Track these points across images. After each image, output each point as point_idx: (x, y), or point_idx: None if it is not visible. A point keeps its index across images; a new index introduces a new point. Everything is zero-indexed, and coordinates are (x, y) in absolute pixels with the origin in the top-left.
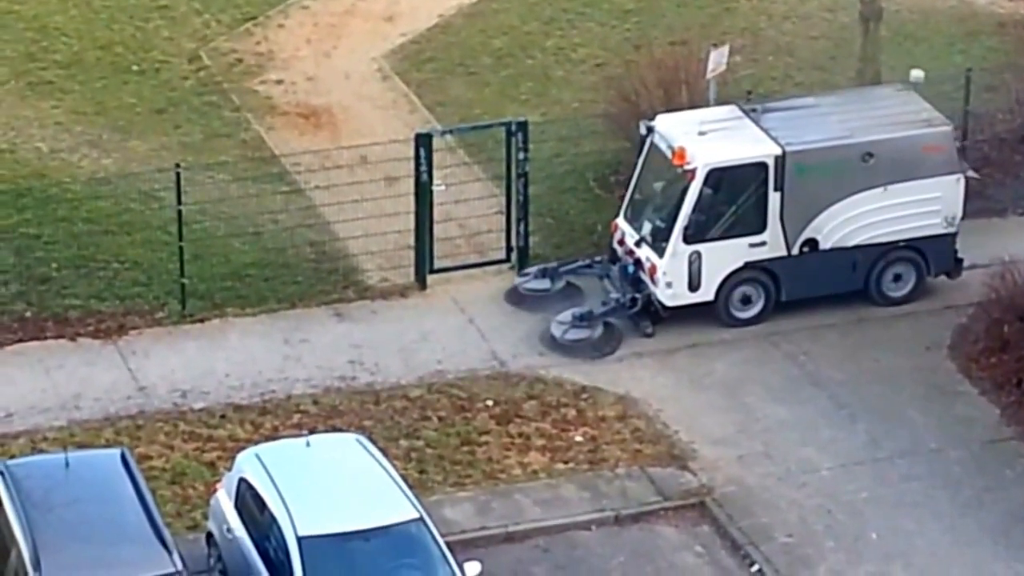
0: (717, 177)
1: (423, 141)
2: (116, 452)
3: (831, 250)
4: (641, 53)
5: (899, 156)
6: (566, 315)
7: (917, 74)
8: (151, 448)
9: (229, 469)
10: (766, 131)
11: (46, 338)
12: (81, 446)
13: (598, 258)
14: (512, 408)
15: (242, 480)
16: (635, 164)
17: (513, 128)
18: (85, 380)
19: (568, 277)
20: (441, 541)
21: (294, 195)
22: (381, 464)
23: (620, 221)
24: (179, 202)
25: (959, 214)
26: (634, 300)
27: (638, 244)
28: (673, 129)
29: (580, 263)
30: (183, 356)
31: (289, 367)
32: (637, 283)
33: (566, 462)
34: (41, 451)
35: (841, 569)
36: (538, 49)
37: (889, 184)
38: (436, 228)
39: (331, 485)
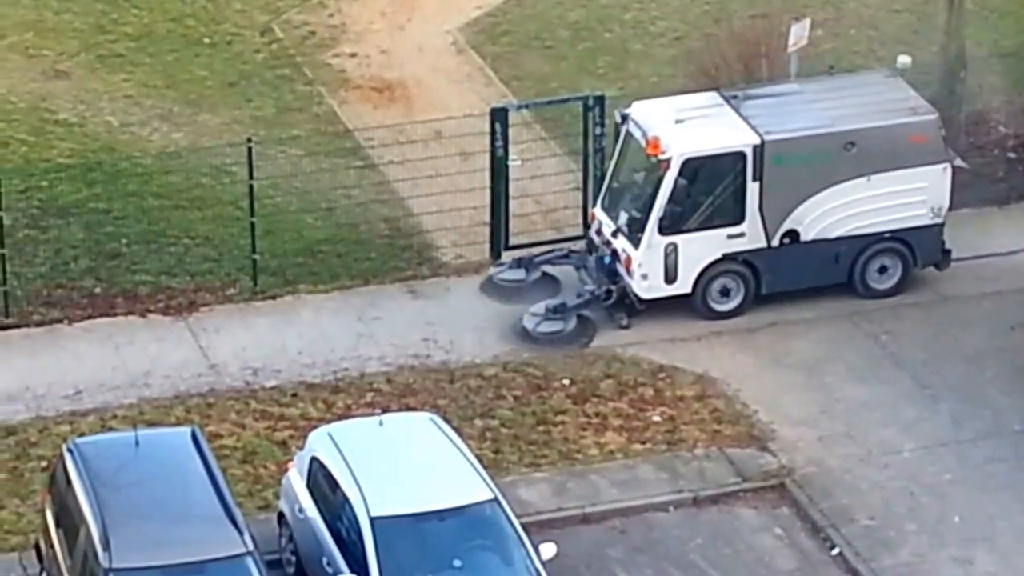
0: (693, 167)
1: (499, 116)
2: (187, 430)
3: (813, 242)
4: (721, 26)
5: (883, 145)
6: (539, 307)
7: (904, 60)
8: (222, 426)
9: (301, 448)
10: (745, 119)
11: (116, 314)
12: (151, 424)
13: (575, 248)
14: (589, 387)
15: (314, 459)
16: (612, 152)
17: (590, 102)
18: (155, 357)
19: (544, 268)
20: (516, 522)
21: (367, 170)
22: (455, 444)
23: (597, 210)
24: (251, 177)
25: (946, 204)
26: (609, 292)
27: (614, 234)
28: (649, 117)
29: (556, 253)
30: (254, 333)
31: (362, 345)
32: (613, 275)
33: (643, 442)
34: (111, 429)
35: (924, 552)
36: (616, 22)
37: (873, 174)
38: (512, 204)
39: (404, 465)
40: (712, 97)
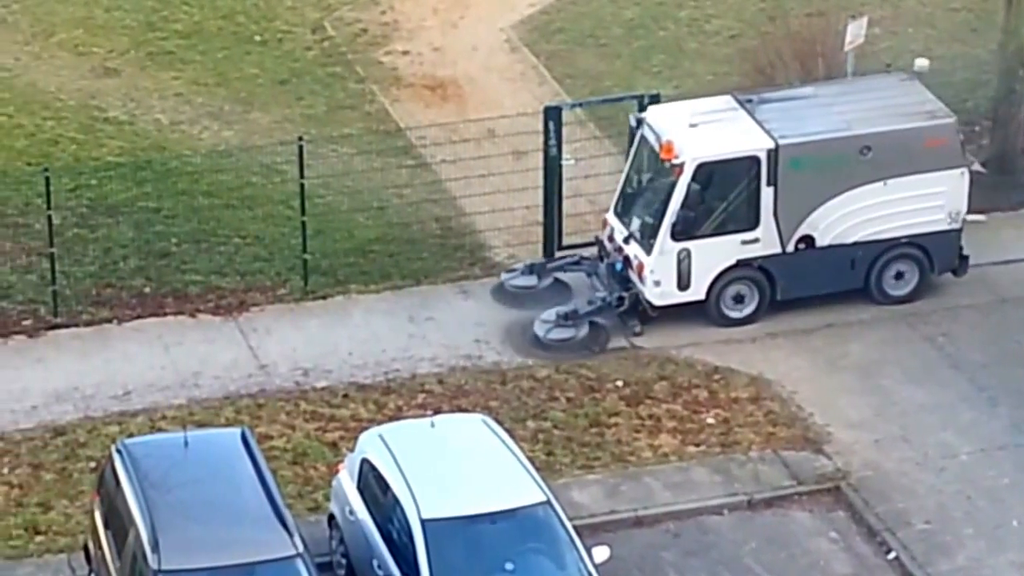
0: (707, 172)
1: (552, 114)
2: (236, 431)
3: (828, 247)
4: (777, 25)
5: (899, 149)
6: (550, 314)
7: (921, 63)
8: (272, 428)
9: (352, 450)
10: (760, 123)
11: (165, 314)
12: (200, 425)
13: (587, 255)
14: (642, 389)
15: (365, 461)
16: (625, 157)
17: (645, 101)
18: (205, 358)
19: (556, 274)
20: (568, 525)
21: (419, 169)
22: (507, 446)
23: (610, 216)
24: (302, 176)
25: (964, 209)
26: (621, 299)
27: (627, 240)
28: (663, 121)
29: (568, 260)
30: (305, 334)
31: (414, 345)
32: (625, 281)
33: (697, 445)
34: (160, 430)
35: (981, 557)
36: (671, 20)
37: (889, 178)
38: (565, 204)
39: (456, 467)
40: (727, 101)
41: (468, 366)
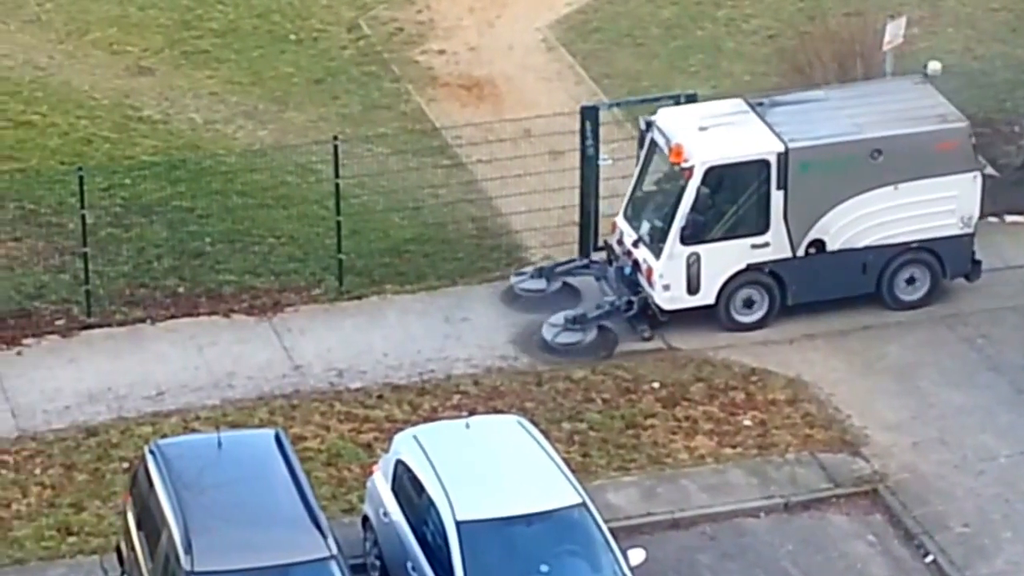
0: (716, 175)
1: (589, 114)
2: (270, 432)
3: (839, 251)
4: (815, 24)
5: (911, 153)
6: (558, 317)
7: (934, 66)
8: (306, 429)
9: (386, 451)
10: (770, 126)
11: (199, 314)
12: (234, 426)
13: (596, 258)
14: (679, 390)
15: (399, 462)
16: (636, 160)
17: (682, 101)
18: (239, 358)
19: (565, 278)
20: (604, 527)
21: (455, 169)
22: (543, 447)
23: (619, 220)
24: (337, 175)
25: (976, 214)
26: (630, 303)
27: (636, 244)
28: (673, 124)
29: (577, 263)
30: (340, 334)
31: (449, 346)
32: (634, 285)
33: (734, 447)
34: (193, 431)
35: (1019, 560)
36: (709, 19)
37: (900, 182)
38: (602, 204)
39: (491, 468)
40: (737, 104)
41: (503, 367)
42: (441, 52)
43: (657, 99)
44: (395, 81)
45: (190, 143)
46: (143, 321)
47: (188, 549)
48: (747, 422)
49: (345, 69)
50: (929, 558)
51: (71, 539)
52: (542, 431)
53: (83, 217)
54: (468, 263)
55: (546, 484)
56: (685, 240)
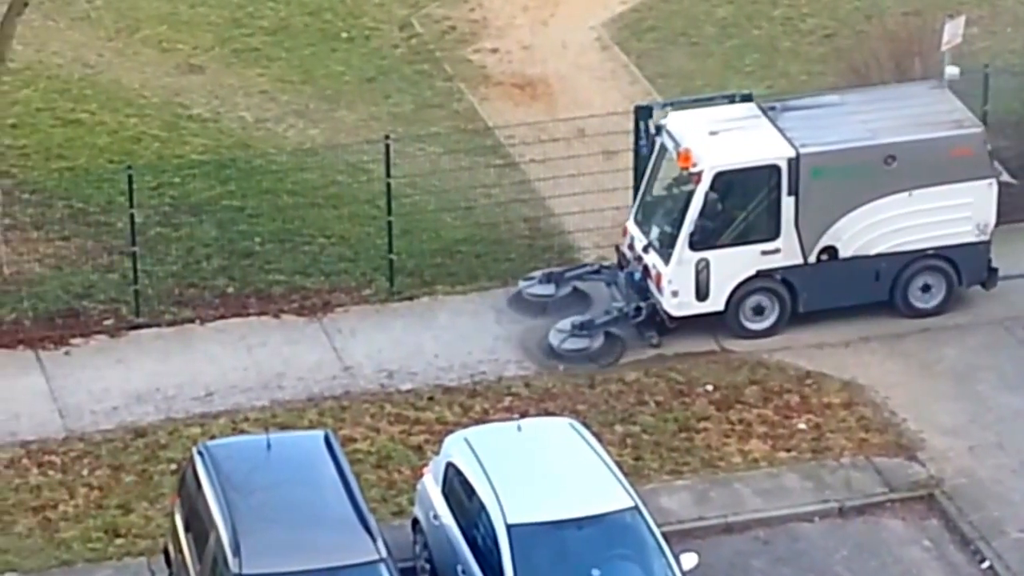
0: (726, 180)
1: (643, 114)
2: (319, 434)
3: (852, 258)
4: (873, 24)
5: (925, 159)
6: (565, 323)
7: (952, 71)
8: (356, 430)
9: (436, 453)
10: (781, 131)
11: (249, 315)
12: (283, 427)
13: (606, 263)
14: (733, 393)
15: (450, 465)
16: (646, 164)
17: (737, 101)
18: (288, 359)
19: (575, 283)
20: (657, 531)
21: (508, 169)
22: (595, 450)
23: (630, 224)
24: (388, 175)
25: (992, 221)
26: (638, 309)
27: (646, 250)
28: (683, 128)
29: (587, 268)
30: (390, 335)
31: (500, 347)
32: (644, 291)
33: (788, 450)
34: (242, 432)
35: None
36: (764, 19)
37: (914, 189)
38: None
39: (542, 471)
40: (750, 108)
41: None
42: (494, 51)
43: (711, 99)
44: (447, 80)
45: (240, 142)
46: (192, 321)
47: (236, 551)
48: (802, 425)
49: (397, 68)
50: (985, 564)
51: (118, 541)
52: (594, 433)
53: (132, 216)
54: (520, 264)
55: (598, 487)
56: (694, 246)
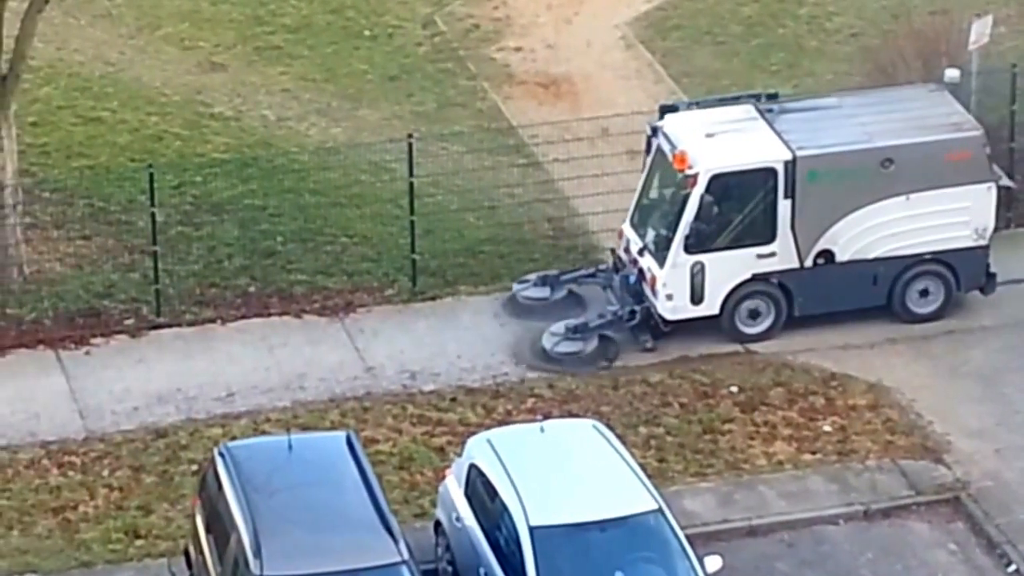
0: (721, 183)
1: (668, 113)
2: (341, 435)
3: (849, 263)
4: (899, 23)
5: (922, 163)
6: (559, 326)
7: (952, 74)
8: (378, 431)
9: (459, 455)
10: (779, 134)
11: (270, 315)
12: (305, 428)
13: (602, 266)
14: (757, 395)
15: (472, 466)
16: (642, 167)
17: (763, 100)
18: (310, 359)
19: (570, 286)
20: (680, 534)
21: (531, 168)
22: (618, 452)
23: (626, 227)
24: (411, 174)
25: (991, 226)
26: (633, 312)
27: (641, 252)
28: (680, 130)
29: (583, 271)
30: (413, 335)
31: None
32: (639, 294)
33: (813, 453)
34: (263, 433)
35: None
36: (790, 17)
37: (912, 193)
38: None
39: (566, 473)
40: (747, 110)
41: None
42: (518, 49)
43: (737, 98)
44: (471, 78)
45: (262, 140)
46: (213, 321)
47: (257, 553)
48: (827, 427)
49: (420, 66)
50: (1012, 568)
51: (139, 542)
52: (618, 435)
53: (153, 215)
54: (544, 264)
55: (621, 489)
56: (689, 249)
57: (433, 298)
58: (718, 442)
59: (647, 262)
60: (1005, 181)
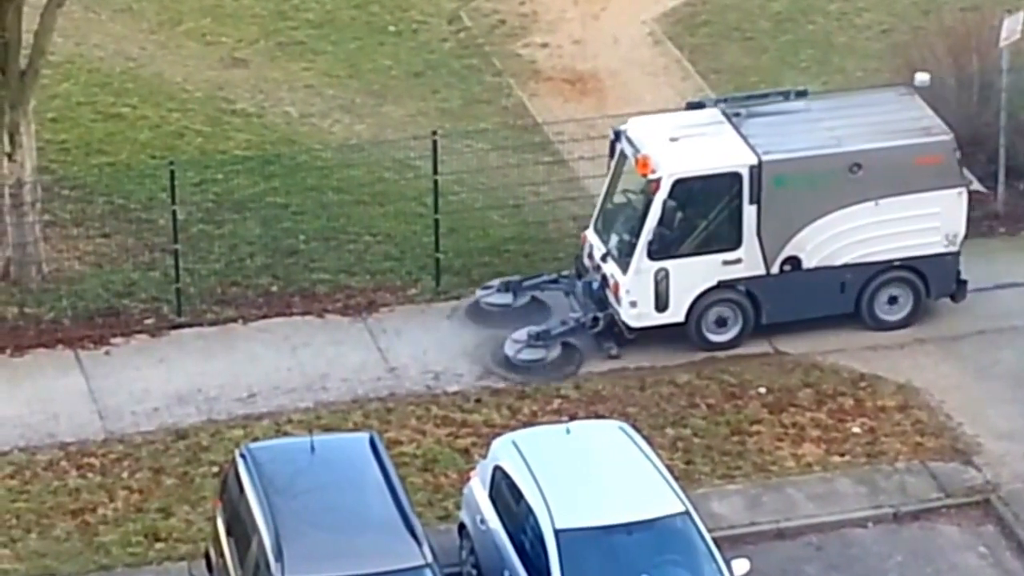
0: (685, 188)
1: (696, 110)
2: (364, 436)
3: (816, 269)
4: (930, 19)
5: (891, 168)
6: (522, 333)
7: (922, 77)
8: (401, 433)
9: (484, 456)
10: (744, 138)
11: (292, 314)
12: (327, 429)
13: (565, 272)
14: (786, 396)
15: (497, 468)
16: (607, 172)
17: (792, 97)
18: (333, 359)
19: (533, 292)
20: (708, 537)
21: (557, 166)
22: (645, 454)
23: (589, 233)
24: (435, 172)
25: (962, 231)
26: (596, 319)
27: (604, 258)
28: (643, 134)
29: (545, 278)
30: (436, 335)
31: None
32: (602, 301)
33: (842, 454)
34: (286, 434)
35: None
36: (820, 13)
37: (881, 198)
38: None
39: (592, 475)
40: (713, 114)
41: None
42: (544, 45)
43: (766, 95)
44: (496, 75)
45: (285, 137)
46: (235, 321)
47: (279, 556)
48: (856, 429)
49: (445, 62)
50: None
51: (159, 545)
52: (644, 437)
53: (174, 213)
54: (569, 263)
55: (648, 492)
56: (653, 255)
57: (457, 297)
58: (746, 444)
59: (610, 268)
60: (976, 186)
